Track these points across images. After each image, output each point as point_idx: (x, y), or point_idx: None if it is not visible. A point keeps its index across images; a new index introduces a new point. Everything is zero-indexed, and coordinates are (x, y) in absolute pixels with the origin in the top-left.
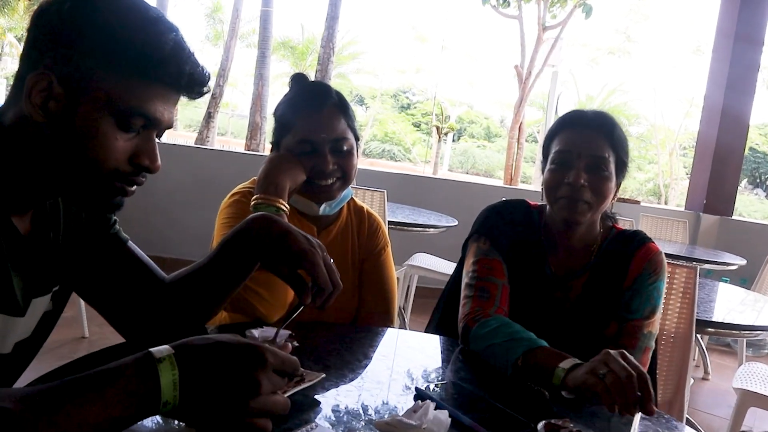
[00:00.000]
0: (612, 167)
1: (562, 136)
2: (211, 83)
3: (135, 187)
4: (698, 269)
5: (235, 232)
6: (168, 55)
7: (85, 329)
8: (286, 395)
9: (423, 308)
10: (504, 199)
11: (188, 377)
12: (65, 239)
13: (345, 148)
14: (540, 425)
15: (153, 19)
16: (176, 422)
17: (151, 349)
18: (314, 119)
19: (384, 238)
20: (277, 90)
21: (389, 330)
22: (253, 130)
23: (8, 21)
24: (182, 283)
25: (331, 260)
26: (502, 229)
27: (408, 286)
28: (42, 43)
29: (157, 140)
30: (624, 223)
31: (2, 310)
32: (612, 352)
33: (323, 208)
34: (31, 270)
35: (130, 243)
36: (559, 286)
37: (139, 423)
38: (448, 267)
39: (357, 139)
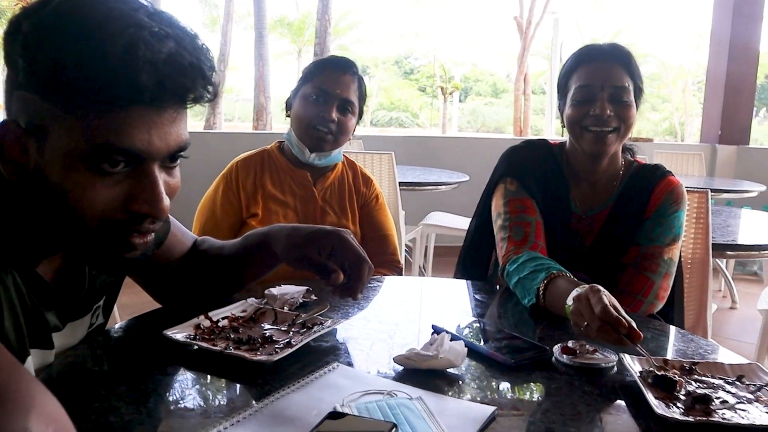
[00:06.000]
0: (632, 95)
1: (580, 71)
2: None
3: (150, 236)
4: (709, 193)
5: (258, 242)
6: (117, 65)
7: (116, 317)
8: (304, 342)
9: (443, 266)
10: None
11: None
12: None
13: (349, 110)
14: (556, 347)
15: (97, 21)
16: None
17: None
18: (335, 76)
19: (377, 190)
20: (279, 68)
21: (405, 278)
22: (259, 110)
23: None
24: (212, 261)
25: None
26: (527, 167)
27: (426, 246)
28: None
29: (171, 165)
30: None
31: (35, 345)
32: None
33: (312, 157)
34: (63, 304)
35: None
36: (583, 220)
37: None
38: (463, 223)
39: (360, 117)
